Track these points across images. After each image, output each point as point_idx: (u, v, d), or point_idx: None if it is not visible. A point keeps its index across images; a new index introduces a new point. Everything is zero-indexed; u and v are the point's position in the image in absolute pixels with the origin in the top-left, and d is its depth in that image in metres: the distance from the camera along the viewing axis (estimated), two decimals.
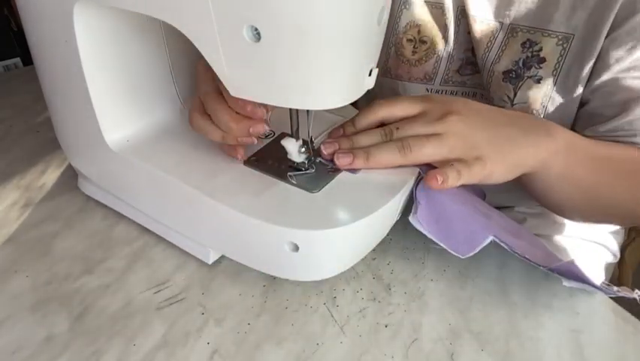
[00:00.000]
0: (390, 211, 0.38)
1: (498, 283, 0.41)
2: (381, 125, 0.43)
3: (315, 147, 0.41)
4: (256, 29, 0.28)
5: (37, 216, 0.47)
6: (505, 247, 0.38)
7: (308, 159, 0.40)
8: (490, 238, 0.37)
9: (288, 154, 0.39)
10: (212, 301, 0.39)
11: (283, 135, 0.41)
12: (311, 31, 0.28)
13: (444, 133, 0.39)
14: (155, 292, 0.40)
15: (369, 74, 0.33)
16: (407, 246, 0.44)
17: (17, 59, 1.01)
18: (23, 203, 0.49)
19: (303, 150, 0.39)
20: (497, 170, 0.39)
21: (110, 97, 0.41)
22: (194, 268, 0.41)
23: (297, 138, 0.39)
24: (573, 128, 0.54)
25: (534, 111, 0.54)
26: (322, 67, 0.30)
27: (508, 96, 0.55)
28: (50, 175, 0.53)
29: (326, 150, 0.41)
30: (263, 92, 0.32)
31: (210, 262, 0.41)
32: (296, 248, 0.35)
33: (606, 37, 0.48)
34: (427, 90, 0.63)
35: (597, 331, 0.37)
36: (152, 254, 0.43)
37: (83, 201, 0.49)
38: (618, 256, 0.70)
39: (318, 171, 0.40)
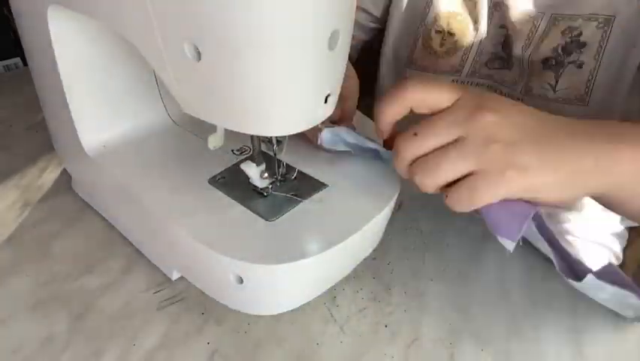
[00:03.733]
0: (351, 247, 0.35)
1: (498, 283, 0.41)
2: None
3: (285, 173, 0.39)
4: (197, 47, 0.27)
5: (36, 215, 0.47)
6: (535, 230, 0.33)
7: (273, 183, 0.38)
8: (532, 213, 0.31)
9: (249, 179, 0.37)
10: (212, 301, 0.39)
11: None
12: (250, 54, 0.26)
13: (467, 137, 0.31)
14: (155, 292, 0.40)
15: (325, 101, 0.30)
16: (407, 246, 0.44)
17: (17, 59, 1.01)
18: (23, 203, 0.49)
19: (266, 175, 0.37)
20: (547, 182, 0.31)
21: (88, 101, 0.40)
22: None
23: (259, 163, 0.37)
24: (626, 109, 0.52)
25: (578, 96, 0.52)
26: (264, 91, 0.28)
27: (549, 84, 0.54)
28: (50, 175, 0.52)
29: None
30: (210, 112, 0.30)
31: (174, 279, 0.40)
32: (240, 281, 0.33)
33: None
34: (453, 82, 0.62)
35: (597, 331, 0.37)
36: (145, 256, 0.43)
37: (82, 200, 0.49)
38: (621, 258, 0.70)
39: (280, 197, 0.37)
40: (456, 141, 0.32)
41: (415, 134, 0.33)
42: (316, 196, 0.37)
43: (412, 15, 0.62)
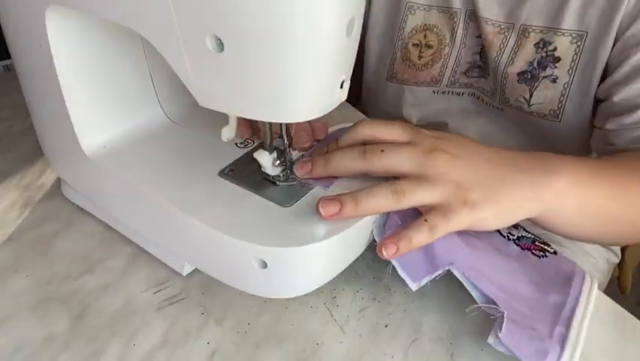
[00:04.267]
0: (363, 229, 0.37)
1: None
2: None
3: (294, 159, 0.40)
4: (219, 39, 0.28)
5: (37, 215, 0.47)
6: (464, 280, 0.35)
7: (284, 171, 0.39)
8: (447, 268, 0.35)
9: (262, 167, 0.39)
10: (212, 301, 0.39)
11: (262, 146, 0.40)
12: (273, 43, 0.27)
13: (433, 174, 0.36)
14: (155, 292, 0.40)
15: (341, 87, 0.32)
16: None
17: None
18: (23, 203, 0.49)
19: (278, 163, 0.38)
20: (489, 216, 0.36)
21: (87, 102, 0.40)
22: (194, 268, 0.41)
23: (271, 151, 0.38)
24: (592, 124, 0.54)
25: (551, 111, 0.54)
26: (287, 79, 0.29)
27: (524, 97, 0.55)
28: (50, 175, 0.52)
29: (299, 171, 0.38)
30: (230, 103, 0.31)
31: (185, 274, 0.41)
32: (264, 265, 0.34)
33: (624, 30, 0.48)
34: (434, 92, 0.63)
35: (597, 331, 0.37)
36: (152, 254, 0.43)
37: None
38: (619, 257, 0.70)
39: (292, 184, 0.39)
40: (417, 176, 0.36)
41: (382, 150, 0.37)
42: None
43: (389, 30, 0.63)
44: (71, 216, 0.47)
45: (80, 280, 0.41)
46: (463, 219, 0.35)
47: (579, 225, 0.39)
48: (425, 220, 0.35)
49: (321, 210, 0.35)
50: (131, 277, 0.41)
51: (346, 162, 0.38)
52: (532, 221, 0.39)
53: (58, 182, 0.51)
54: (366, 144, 0.38)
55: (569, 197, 0.37)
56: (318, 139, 0.43)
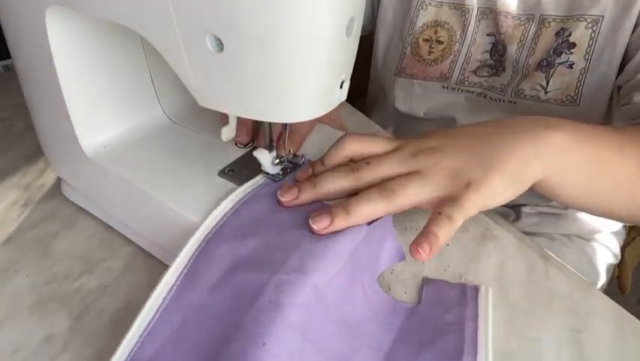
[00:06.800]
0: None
1: (498, 283, 0.41)
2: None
3: (292, 157, 0.41)
4: (219, 39, 0.28)
5: (37, 215, 0.47)
6: None
7: (283, 170, 0.39)
8: None
9: (262, 166, 0.39)
10: None
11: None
12: (272, 43, 0.27)
13: (424, 169, 0.35)
14: None
15: (341, 87, 0.32)
16: (406, 246, 0.44)
17: None
18: (23, 202, 0.49)
19: (277, 161, 0.39)
20: (498, 187, 0.35)
21: (86, 102, 0.40)
22: None
23: (271, 150, 0.38)
24: (610, 109, 0.54)
25: (569, 97, 0.54)
26: (286, 79, 0.29)
27: (540, 85, 0.55)
28: (50, 175, 0.52)
29: (283, 197, 0.36)
30: (230, 103, 0.32)
31: None
32: None
33: None
34: (443, 88, 0.63)
35: (597, 331, 0.37)
36: (152, 254, 0.43)
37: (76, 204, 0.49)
38: (619, 257, 0.70)
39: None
40: (408, 174, 0.36)
41: (367, 163, 0.37)
42: None
43: (400, 26, 0.63)
44: (71, 217, 0.47)
45: (79, 280, 0.41)
46: (474, 201, 0.34)
47: (588, 185, 0.38)
48: (439, 213, 0.34)
49: (313, 225, 0.34)
50: (131, 277, 0.41)
51: (336, 181, 0.36)
52: (541, 190, 0.37)
53: (59, 182, 0.51)
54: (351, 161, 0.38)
55: (571, 151, 0.36)
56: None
